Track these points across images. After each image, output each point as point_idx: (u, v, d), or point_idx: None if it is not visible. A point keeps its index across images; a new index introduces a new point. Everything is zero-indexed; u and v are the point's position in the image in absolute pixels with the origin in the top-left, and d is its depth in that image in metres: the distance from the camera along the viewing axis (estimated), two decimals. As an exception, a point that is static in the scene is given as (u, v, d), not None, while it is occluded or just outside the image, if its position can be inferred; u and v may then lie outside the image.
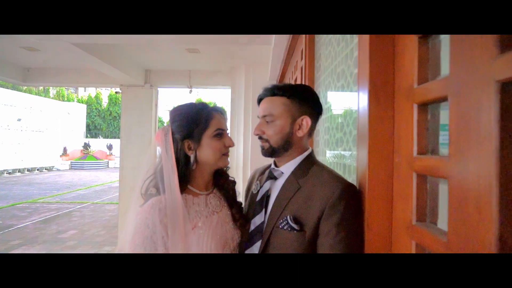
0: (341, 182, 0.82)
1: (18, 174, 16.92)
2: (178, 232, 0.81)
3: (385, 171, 0.76)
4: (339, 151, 1.25)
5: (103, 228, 6.90)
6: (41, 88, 26.01)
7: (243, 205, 1.07)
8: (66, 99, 26.10)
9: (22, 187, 12.65)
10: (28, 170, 17.87)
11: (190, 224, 0.88)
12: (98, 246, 5.82)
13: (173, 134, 0.93)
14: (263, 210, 0.91)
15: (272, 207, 0.90)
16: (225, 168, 1.06)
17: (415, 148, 0.65)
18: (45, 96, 23.86)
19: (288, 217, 0.82)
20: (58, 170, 19.52)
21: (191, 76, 5.76)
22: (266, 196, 0.93)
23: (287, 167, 0.93)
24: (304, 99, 0.93)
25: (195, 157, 0.94)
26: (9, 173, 16.55)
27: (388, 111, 0.75)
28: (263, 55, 4.31)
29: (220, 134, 0.97)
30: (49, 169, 19.36)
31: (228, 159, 1.02)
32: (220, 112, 1.00)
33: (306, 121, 0.91)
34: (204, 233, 0.88)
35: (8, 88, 17.58)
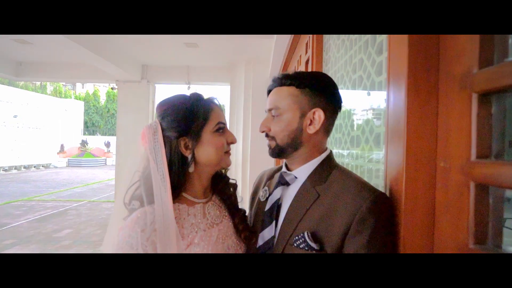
0: (370, 191, 0.67)
1: (14, 171, 16.70)
2: (169, 252, 0.66)
3: (426, 179, 0.61)
4: (356, 152, 1.11)
5: (99, 227, 6.75)
6: (37, 84, 25.71)
7: (247, 213, 0.92)
8: (63, 95, 25.81)
9: (18, 185, 12.46)
10: (24, 167, 17.65)
11: (184, 241, 0.73)
12: (93, 245, 5.67)
13: (163, 132, 0.78)
14: (273, 222, 0.76)
15: (284, 220, 0.75)
16: (224, 170, 0.91)
17: (473, 151, 0.51)
18: (42, 93, 23.57)
19: (306, 233, 0.67)
20: (55, 167, 19.31)
21: (189, 72, 5.60)
22: (277, 205, 0.78)
23: (302, 171, 0.78)
24: (317, 89, 0.77)
25: (193, 157, 0.79)
26: (5, 170, 16.34)
27: (431, 104, 0.61)
28: (264, 49, 4.16)
29: (222, 128, 0.82)
30: (46, 166, 19.14)
31: (230, 158, 0.87)
32: (218, 104, 0.85)
33: (319, 114, 0.76)
34: (201, 251, 0.73)
35: (4, 84, 17.32)
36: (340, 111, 0.81)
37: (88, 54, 4.12)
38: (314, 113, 0.76)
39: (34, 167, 18.27)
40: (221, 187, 0.90)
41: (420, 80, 0.61)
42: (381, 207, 0.65)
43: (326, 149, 0.81)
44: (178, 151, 0.77)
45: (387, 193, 0.71)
